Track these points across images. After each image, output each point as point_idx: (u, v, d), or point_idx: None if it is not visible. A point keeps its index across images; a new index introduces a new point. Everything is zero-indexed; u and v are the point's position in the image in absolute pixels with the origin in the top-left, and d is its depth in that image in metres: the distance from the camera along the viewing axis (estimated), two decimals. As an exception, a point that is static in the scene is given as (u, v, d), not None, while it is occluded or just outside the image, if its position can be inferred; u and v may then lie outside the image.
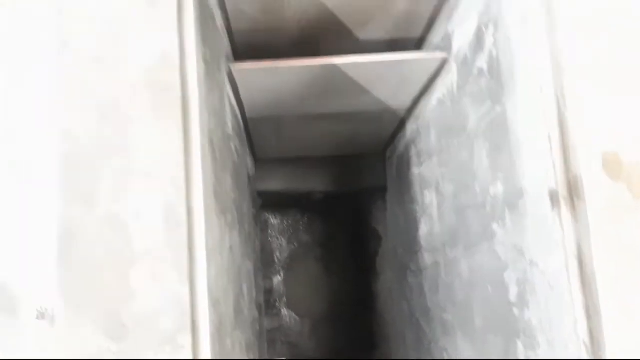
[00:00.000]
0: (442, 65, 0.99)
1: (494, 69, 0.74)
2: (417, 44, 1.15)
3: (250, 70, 0.98)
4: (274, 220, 2.11)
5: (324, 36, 1.09)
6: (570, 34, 0.58)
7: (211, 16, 0.75)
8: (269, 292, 2.04)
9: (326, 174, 1.92)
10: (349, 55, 0.96)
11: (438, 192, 1.13)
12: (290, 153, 1.77)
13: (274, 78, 1.03)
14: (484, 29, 0.77)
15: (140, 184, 0.57)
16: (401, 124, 1.44)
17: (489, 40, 0.76)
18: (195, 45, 0.58)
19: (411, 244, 1.45)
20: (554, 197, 0.61)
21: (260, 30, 1.03)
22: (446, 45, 0.97)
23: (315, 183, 1.93)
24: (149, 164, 0.57)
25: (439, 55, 0.97)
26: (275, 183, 1.91)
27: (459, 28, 0.90)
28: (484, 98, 0.80)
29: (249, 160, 1.46)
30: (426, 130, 1.19)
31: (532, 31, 0.60)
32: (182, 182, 0.57)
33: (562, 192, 0.59)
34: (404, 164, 1.47)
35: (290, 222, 2.10)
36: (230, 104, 0.97)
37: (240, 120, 1.21)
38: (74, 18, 0.56)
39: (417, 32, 1.11)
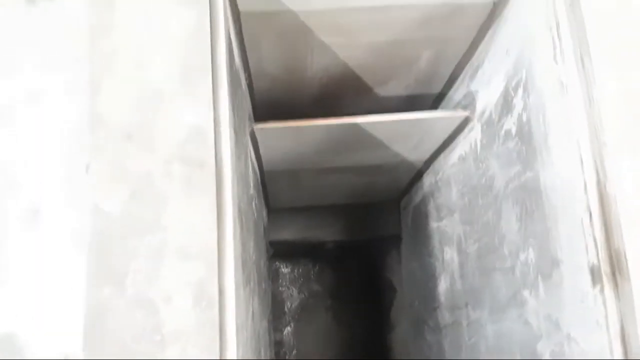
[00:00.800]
0: (465, 123, 0.99)
1: (525, 134, 0.74)
2: (437, 99, 1.16)
3: (271, 129, 0.99)
4: (284, 269, 2.08)
5: (343, 93, 1.10)
6: (610, 107, 0.58)
7: (238, 80, 0.75)
8: (279, 343, 2.00)
9: (339, 223, 1.91)
10: (369, 115, 0.96)
11: (460, 249, 1.12)
12: (304, 202, 1.77)
13: (294, 136, 1.03)
14: (512, 92, 0.78)
15: (172, 263, 0.56)
16: (418, 175, 1.44)
17: (518, 104, 0.76)
18: (229, 118, 0.58)
19: (429, 299, 1.42)
20: (595, 273, 0.59)
21: (281, 88, 1.05)
22: (469, 102, 0.97)
23: (327, 232, 1.92)
24: (182, 243, 0.56)
25: (462, 114, 0.97)
26: (288, 232, 1.90)
27: (483, 88, 0.90)
28: (513, 161, 0.79)
29: (264, 212, 1.46)
30: (446, 186, 1.18)
31: (570, 102, 0.61)
32: (215, 260, 0.56)
33: (605, 268, 0.58)
34: (421, 216, 1.46)
35: (301, 271, 2.08)
36: (252, 163, 0.98)
37: (258, 175, 1.21)
38: (107, 93, 0.57)
39: (437, 88, 1.12)
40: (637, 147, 0.58)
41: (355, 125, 0.99)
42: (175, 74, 0.55)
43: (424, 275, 1.48)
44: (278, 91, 1.06)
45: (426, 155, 1.25)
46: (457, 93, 1.04)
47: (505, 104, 0.80)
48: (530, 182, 0.74)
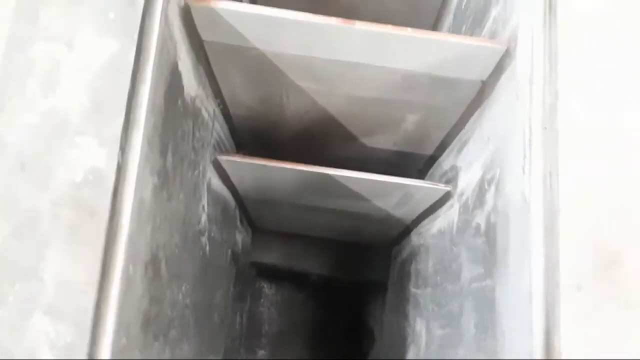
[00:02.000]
0: (446, 198, 0.92)
1: (490, 237, 0.66)
2: (429, 161, 1.09)
3: (238, 163, 0.93)
4: (268, 291, 2.02)
5: (327, 136, 1.04)
6: (569, 239, 0.50)
7: (190, 112, 0.70)
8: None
9: (326, 257, 1.84)
10: (345, 170, 0.90)
11: (428, 328, 1.04)
12: (289, 229, 1.71)
13: (265, 173, 0.98)
14: (486, 185, 0.70)
15: (41, 320, 0.50)
16: (407, 230, 1.37)
17: (489, 201, 0.68)
18: (140, 164, 0.52)
19: (395, 364, 1.34)
20: None
21: (260, 119, 0.99)
22: (453, 177, 0.90)
23: (313, 264, 1.85)
24: (55, 299, 0.51)
25: (443, 188, 0.90)
26: (271, 256, 1.84)
27: (466, 168, 0.83)
28: (478, 260, 0.71)
29: (240, 234, 1.40)
30: (425, 254, 1.10)
31: (530, 223, 0.53)
32: (88, 325, 0.51)
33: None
34: (404, 275, 1.38)
35: (285, 295, 2.01)
36: (212, 192, 0.92)
37: (231, 199, 1.16)
38: (9, 114, 0.51)
39: (429, 150, 1.04)
40: (593, 287, 0.50)
41: (331, 176, 0.92)
42: (85, 108, 0.50)
43: (398, 337, 1.40)
44: (257, 121, 1.00)
45: (412, 215, 1.17)
46: (445, 162, 0.97)
47: (480, 195, 0.73)
48: (488, 291, 0.66)
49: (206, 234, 0.89)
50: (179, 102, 0.64)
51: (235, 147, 1.11)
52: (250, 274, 1.83)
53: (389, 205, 1.10)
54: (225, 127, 0.98)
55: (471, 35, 0.84)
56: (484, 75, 0.70)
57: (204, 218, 0.86)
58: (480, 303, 0.70)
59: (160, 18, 0.53)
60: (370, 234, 1.59)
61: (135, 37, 0.50)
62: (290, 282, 1.98)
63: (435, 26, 1.17)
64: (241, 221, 1.38)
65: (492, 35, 0.72)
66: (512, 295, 0.59)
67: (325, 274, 1.85)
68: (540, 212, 0.52)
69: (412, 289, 1.23)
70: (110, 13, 0.51)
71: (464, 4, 0.93)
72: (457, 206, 0.87)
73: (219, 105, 0.89)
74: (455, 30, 1.00)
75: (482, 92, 0.73)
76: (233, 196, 1.17)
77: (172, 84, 0.60)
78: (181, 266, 0.76)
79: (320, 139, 1.05)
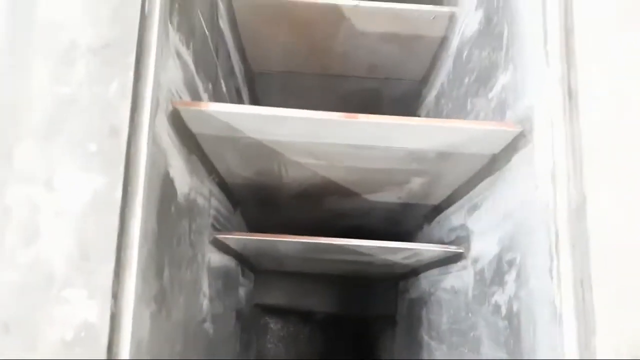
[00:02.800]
0: (458, 258, 0.88)
1: (514, 327, 0.62)
2: (434, 210, 1.05)
3: (238, 239, 0.89)
4: (274, 326, 1.97)
5: (328, 196, 1.00)
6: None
7: (187, 208, 0.66)
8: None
9: (330, 294, 1.80)
10: (352, 240, 0.85)
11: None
12: (292, 269, 1.67)
13: (268, 244, 0.94)
14: (505, 266, 0.66)
15: None
16: (414, 272, 1.33)
17: (510, 286, 0.64)
18: (136, 306, 0.48)
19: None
20: None
21: (258, 186, 0.95)
22: (464, 237, 0.86)
23: (317, 302, 1.81)
24: None
25: (455, 250, 0.86)
26: (274, 297, 1.80)
27: (479, 236, 0.79)
28: (500, 345, 0.68)
29: (243, 288, 1.36)
30: (438, 308, 1.06)
31: (563, 339, 0.49)
32: None
33: None
34: (415, 317, 1.34)
35: (291, 330, 1.96)
36: (212, 270, 0.88)
37: (232, 261, 1.12)
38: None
39: (435, 201, 1.01)
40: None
41: (333, 245, 0.88)
42: (70, 256, 0.45)
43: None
44: (255, 187, 0.96)
45: (420, 264, 1.14)
46: (454, 217, 0.93)
47: (498, 272, 0.69)
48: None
49: (209, 318, 0.85)
50: (172, 210, 0.59)
51: (233, 208, 1.07)
52: (255, 316, 1.79)
53: (397, 258, 1.07)
54: (222, 194, 0.94)
55: (476, 93, 0.80)
56: (496, 150, 0.67)
57: (205, 304, 0.81)
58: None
59: (148, 139, 0.49)
60: (376, 274, 1.55)
61: (122, 169, 0.46)
62: (295, 320, 1.93)
63: (430, 72, 1.14)
64: (243, 273, 1.34)
65: (502, 105, 0.68)
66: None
67: (329, 311, 1.81)
68: (574, 328, 0.48)
69: (426, 338, 1.19)
70: (90, 145, 0.46)
71: (464, 54, 0.89)
72: (471, 271, 0.83)
73: (214, 179, 0.84)
74: (455, 79, 0.96)
75: (493, 162, 0.69)
76: (234, 257, 1.13)
77: (164, 197, 0.55)
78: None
79: (321, 197, 1.01)
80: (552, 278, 0.51)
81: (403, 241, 1.47)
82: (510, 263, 0.64)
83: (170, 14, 0.55)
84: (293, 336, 1.94)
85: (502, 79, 0.69)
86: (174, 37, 0.58)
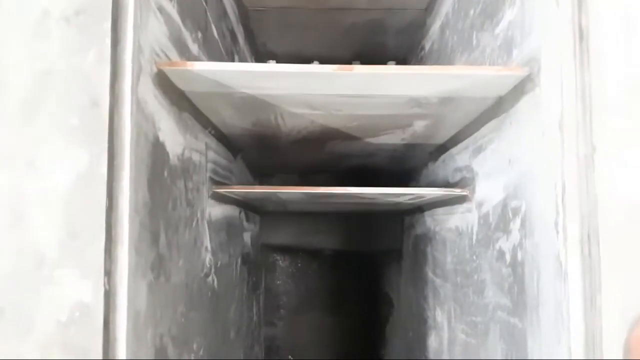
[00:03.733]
0: (463, 199, 0.87)
1: (518, 276, 0.62)
2: (439, 149, 1.03)
3: (239, 192, 0.88)
4: (282, 263, 2.01)
5: (329, 140, 0.97)
6: (612, 315, 0.46)
7: (181, 169, 0.64)
8: (271, 338, 1.96)
9: (336, 231, 1.82)
10: (354, 188, 0.84)
11: (450, 326, 1.02)
12: (297, 210, 1.68)
13: (265, 194, 0.93)
14: (510, 214, 0.65)
15: None
16: (419, 209, 1.33)
17: (514, 234, 0.63)
18: (130, 280, 0.47)
19: (420, 342, 1.35)
20: None
21: (256, 135, 0.93)
22: (469, 178, 0.85)
23: (324, 240, 1.83)
24: None
25: (459, 193, 0.84)
26: (281, 237, 1.82)
27: (484, 178, 0.77)
28: (503, 291, 0.68)
29: (248, 233, 1.37)
30: (442, 245, 1.07)
31: (569, 295, 0.49)
32: None
33: None
34: (420, 254, 1.35)
35: (299, 265, 2.00)
36: (213, 224, 0.87)
37: (235, 210, 1.12)
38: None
39: (439, 141, 0.98)
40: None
41: (335, 193, 0.87)
42: (59, 237, 0.44)
43: (417, 316, 1.40)
44: (253, 136, 0.94)
45: (424, 203, 1.13)
46: (459, 157, 0.91)
47: (503, 219, 0.68)
48: (517, 332, 0.63)
49: (213, 271, 0.85)
50: (165, 174, 0.58)
51: (233, 156, 1.06)
52: (263, 255, 1.81)
53: (401, 200, 1.06)
54: (220, 145, 0.92)
55: (482, 27, 0.76)
56: (502, 92, 0.64)
57: (208, 259, 0.82)
58: (508, 338, 0.67)
59: (132, 107, 0.46)
60: (381, 211, 1.56)
61: (105, 142, 0.44)
62: (303, 257, 1.96)
63: (432, 3, 1.08)
64: (247, 218, 1.35)
65: (508, 42, 0.64)
66: (548, 354, 0.55)
67: (336, 248, 1.84)
68: (579, 285, 0.47)
69: (431, 275, 1.20)
70: (72, 119, 0.44)
71: (468, -16, 0.84)
72: (475, 214, 0.82)
73: (210, 132, 0.82)
74: (460, 10, 0.91)
75: (499, 104, 0.66)
76: (237, 205, 1.13)
77: (155, 164, 0.54)
78: (189, 329, 0.72)
79: (322, 142, 0.99)
80: (557, 232, 0.50)
81: (409, 178, 1.47)
82: (515, 211, 0.63)
83: (147, -34, 0.51)
84: (301, 272, 1.98)
85: (509, 14, 0.65)
86: (153, -10, 0.54)
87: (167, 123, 0.59)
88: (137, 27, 0.48)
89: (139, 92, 0.48)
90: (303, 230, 1.81)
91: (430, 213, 1.21)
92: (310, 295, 1.93)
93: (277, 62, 1.51)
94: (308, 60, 1.51)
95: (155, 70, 0.53)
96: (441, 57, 1.07)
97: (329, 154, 1.15)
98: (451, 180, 0.99)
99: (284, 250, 1.91)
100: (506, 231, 0.67)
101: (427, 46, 1.22)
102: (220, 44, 0.91)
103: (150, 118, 0.52)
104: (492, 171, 0.73)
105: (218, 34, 0.90)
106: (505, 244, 0.67)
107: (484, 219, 0.78)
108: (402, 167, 1.37)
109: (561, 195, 0.49)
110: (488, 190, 0.75)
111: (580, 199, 0.48)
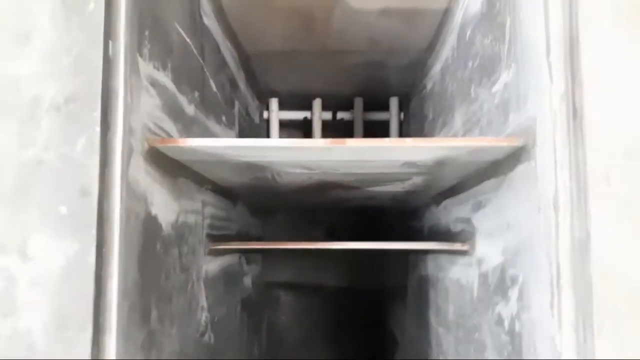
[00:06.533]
0: (463, 254, 0.88)
1: (516, 347, 0.62)
2: (439, 196, 1.04)
3: (234, 249, 0.89)
4: (285, 299, 1.99)
5: (329, 188, 0.98)
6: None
7: (175, 236, 0.65)
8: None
9: (340, 266, 1.82)
10: (355, 243, 0.84)
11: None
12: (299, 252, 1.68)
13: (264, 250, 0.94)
14: (508, 282, 0.65)
15: None
16: (423, 250, 1.33)
17: (512, 303, 0.63)
18: None
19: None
20: None
21: (255, 188, 0.94)
22: (469, 232, 0.85)
23: (328, 275, 1.83)
24: None
25: (460, 248, 0.85)
26: (285, 274, 1.82)
27: (483, 236, 0.78)
28: (502, 356, 0.68)
29: (248, 275, 1.37)
30: (445, 294, 1.07)
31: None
32: None
33: None
34: (423, 296, 1.35)
35: (303, 301, 1.98)
36: (210, 280, 0.88)
37: (234, 257, 1.12)
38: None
39: (439, 189, 0.99)
40: None
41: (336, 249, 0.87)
42: (48, 326, 0.45)
43: (422, 351, 1.39)
44: (253, 188, 0.95)
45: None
46: (460, 207, 0.91)
47: (501, 284, 0.68)
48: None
49: (208, 327, 0.85)
50: (158, 247, 0.59)
51: (232, 204, 1.07)
52: (266, 292, 1.81)
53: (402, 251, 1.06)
54: (217, 197, 0.93)
55: (480, 82, 0.77)
56: (498, 157, 0.64)
57: (203, 317, 0.82)
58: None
59: (121, 193, 0.47)
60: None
61: (94, 231, 0.45)
62: (307, 292, 1.95)
63: (434, 42, 1.09)
64: (247, 261, 1.35)
65: (505, 104, 0.64)
66: None
67: (340, 285, 1.83)
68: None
69: (434, 322, 1.20)
70: (61, 208, 0.45)
71: (467, 34, 0.85)
72: (476, 270, 0.82)
73: (206, 188, 0.83)
74: (459, 59, 0.92)
75: (496, 166, 0.67)
76: (237, 251, 1.14)
77: (147, 240, 0.55)
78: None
79: (322, 191, 1.00)
80: (552, 315, 0.50)
81: (412, 216, 1.47)
82: (514, 280, 0.63)
83: (140, 46, 0.53)
84: (305, 308, 1.97)
85: (505, 76, 0.66)
86: (146, 68, 0.55)
87: (160, 195, 0.59)
88: (127, 110, 0.49)
89: (130, 175, 0.49)
90: (306, 266, 1.81)
91: (434, 257, 1.21)
92: (313, 331, 1.92)
93: (280, 100, 1.54)
94: (311, 98, 1.53)
95: (147, 146, 0.54)
96: (442, 101, 1.08)
97: (330, 198, 1.16)
98: (452, 229, 0.99)
99: (287, 287, 1.90)
100: (505, 297, 0.67)
101: (429, 86, 1.23)
102: (219, 96, 0.92)
103: (142, 197, 0.53)
104: (492, 231, 0.73)
105: (217, 86, 0.91)
106: (504, 310, 0.67)
107: (483, 278, 0.78)
108: (406, 206, 1.38)
109: (556, 276, 0.49)
110: (488, 250, 0.75)
111: (575, 283, 0.48)
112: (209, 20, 0.87)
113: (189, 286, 0.72)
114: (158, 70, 0.59)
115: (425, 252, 1.29)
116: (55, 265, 0.45)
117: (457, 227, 0.95)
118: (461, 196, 0.91)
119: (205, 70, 0.82)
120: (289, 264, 1.81)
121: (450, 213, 1.02)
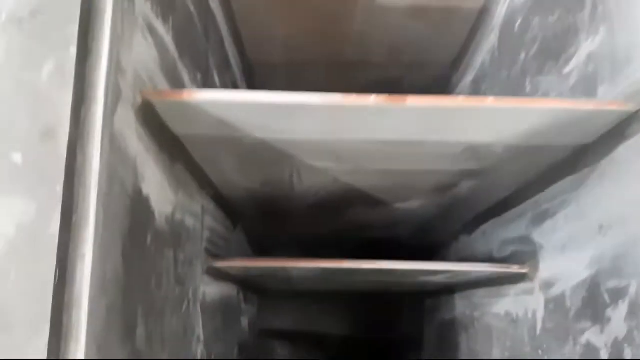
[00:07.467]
0: (519, 279, 0.74)
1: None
2: (478, 218, 0.90)
3: (241, 268, 0.75)
4: (282, 352, 1.80)
5: (350, 205, 0.85)
6: None
7: (170, 234, 0.51)
8: None
9: (344, 313, 1.65)
10: (379, 262, 0.70)
11: None
12: (304, 289, 1.52)
13: (274, 269, 0.79)
14: (606, 297, 0.51)
15: None
16: (447, 289, 1.18)
17: (616, 323, 0.49)
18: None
19: None
20: None
21: (263, 197, 0.80)
22: (528, 253, 0.71)
23: (331, 324, 1.66)
24: None
25: (517, 271, 0.71)
26: (283, 321, 1.65)
27: (552, 251, 0.64)
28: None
29: (245, 316, 1.21)
30: (486, 335, 0.91)
31: None
32: None
33: None
34: (450, 345, 1.19)
35: (303, 355, 1.79)
36: (207, 306, 0.73)
37: (232, 289, 0.97)
38: None
39: (482, 207, 0.86)
40: None
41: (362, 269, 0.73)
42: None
43: None
44: (261, 201, 0.82)
45: (458, 282, 0.99)
46: (512, 226, 0.78)
47: (592, 305, 0.54)
48: None
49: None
50: (149, 240, 0.45)
51: (232, 225, 0.92)
52: (262, 344, 1.63)
53: (436, 279, 0.92)
54: (219, 210, 0.79)
55: (541, 70, 0.65)
56: (589, 140, 0.52)
57: (200, 351, 0.67)
58: None
59: (102, 143, 0.34)
60: (400, 292, 1.41)
61: (59, 189, 0.31)
62: (307, 345, 1.77)
63: (463, 53, 0.99)
64: (245, 299, 1.19)
65: (588, 80, 0.53)
66: None
67: (344, 334, 1.66)
68: None
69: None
70: (14, 155, 0.31)
71: (517, 24, 0.75)
72: (540, 297, 0.68)
73: (207, 193, 0.70)
74: (503, 57, 0.81)
75: (581, 156, 0.54)
76: (234, 283, 0.99)
77: (135, 224, 0.41)
78: None
79: (341, 208, 0.87)
80: None
81: (431, 255, 1.33)
82: (617, 294, 0.49)
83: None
84: (305, 362, 1.79)
85: (587, 46, 0.54)
86: (143, 6, 0.43)
87: (154, 173, 0.46)
88: (116, 39, 0.36)
89: (115, 124, 0.36)
90: (307, 312, 1.65)
91: (465, 295, 1.07)
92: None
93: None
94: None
95: (139, 100, 0.41)
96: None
97: (345, 224, 1.02)
98: (497, 256, 0.86)
99: (285, 336, 1.73)
100: (598, 320, 0.53)
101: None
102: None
103: (131, 162, 0.40)
104: (569, 242, 0.60)
105: (220, 83, 0.79)
106: (598, 337, 0.53)
107: (555, 303, 0.64)
108: (427, 241, 1.24)
109: None
110: (562, 267, 0.62)
111: None
112: (214, 4, 0.77)
113: (184, 305, 0.57)
114: (156, 16, 0.47)
115: (453, 290, 1.15)
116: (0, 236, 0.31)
117: (504, 252, 0.82)
118: (513, 212, 0.78)
119: (210, 57, 0.70)
120: (289, 310, 1.64)
121: (492, 238, 0.89)
